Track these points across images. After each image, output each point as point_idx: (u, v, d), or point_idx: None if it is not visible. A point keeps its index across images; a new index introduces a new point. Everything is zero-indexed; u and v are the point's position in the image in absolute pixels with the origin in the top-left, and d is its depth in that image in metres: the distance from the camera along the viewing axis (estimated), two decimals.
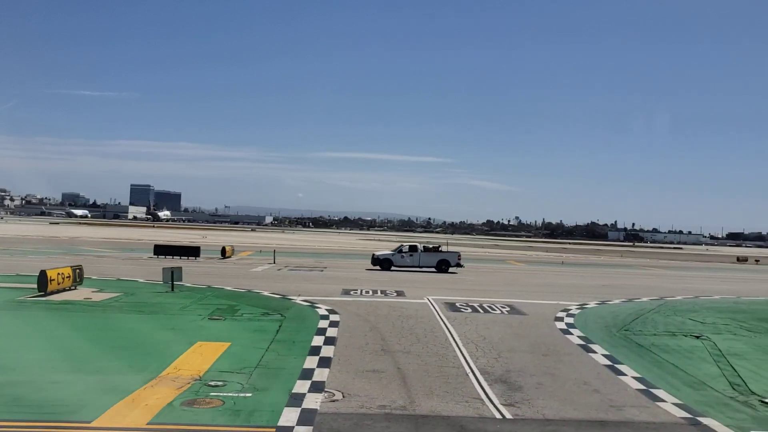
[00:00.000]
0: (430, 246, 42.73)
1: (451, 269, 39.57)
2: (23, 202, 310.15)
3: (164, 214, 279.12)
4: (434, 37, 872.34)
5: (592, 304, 25.54)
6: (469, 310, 22.47)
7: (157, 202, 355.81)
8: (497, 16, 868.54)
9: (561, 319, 21.05)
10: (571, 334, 18.62)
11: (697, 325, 21.01)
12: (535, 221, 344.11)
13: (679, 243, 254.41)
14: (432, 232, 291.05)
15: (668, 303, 27.09)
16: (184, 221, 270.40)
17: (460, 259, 40.19)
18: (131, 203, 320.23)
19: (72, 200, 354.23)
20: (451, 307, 22.96)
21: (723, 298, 30.37)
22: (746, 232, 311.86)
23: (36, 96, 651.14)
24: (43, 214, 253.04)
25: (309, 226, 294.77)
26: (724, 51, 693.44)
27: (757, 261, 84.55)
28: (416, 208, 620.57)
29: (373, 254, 41.16)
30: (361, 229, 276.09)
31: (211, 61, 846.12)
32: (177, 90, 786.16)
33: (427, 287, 29.66)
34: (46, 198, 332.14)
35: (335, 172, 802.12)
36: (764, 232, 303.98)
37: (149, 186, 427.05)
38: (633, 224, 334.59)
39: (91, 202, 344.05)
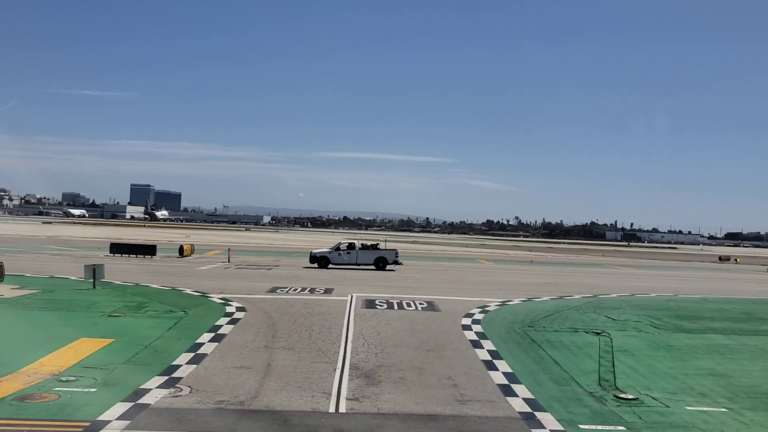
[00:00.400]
0: (369, 244, 43.02)
1: (389, 267, 39.87)
2: (22, 201, 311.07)
3: (162, 213, 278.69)
4: (434, 37, 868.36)
5: (516, 301, 25.58)
6: (385, 306, 22.52)
7: (156, 201, 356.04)
8: (497, 16, 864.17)
9: (471, 315, 21.07)
10: (471, 330, 18.65)
11: (609, 321, 21.00)
12: (535, 221, 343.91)
13: (676, 243, 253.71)
14: (430, 231, 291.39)
15: (597, 300, 27.09)
16: (181, 221, 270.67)
17: (397, 257, 40.40)
18: (132, 203, 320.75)
19: (72, 200, 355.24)
20: (369, 303, 23.00)
21: (658, 296, 30.30)
22: (745, 232, 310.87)
23: (36, 96, 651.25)
24: (41, 213, 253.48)
25: (307, 226, 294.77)
26: (724, 51, 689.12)
27: (736, 260, 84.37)
28: (417, 208, 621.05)
29: (311, 252, 41.35)
30: (359, 229, 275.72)
31: (212, 61, 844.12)
32: (177, 90, 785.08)
33: (361, 285, 29.68)
34: (45, 198, 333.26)
35: (336, 172, 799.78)
36: (763, 232, 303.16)
37: (149, 186, 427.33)
38: (631, 224, 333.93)
39: (91, 202, 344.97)
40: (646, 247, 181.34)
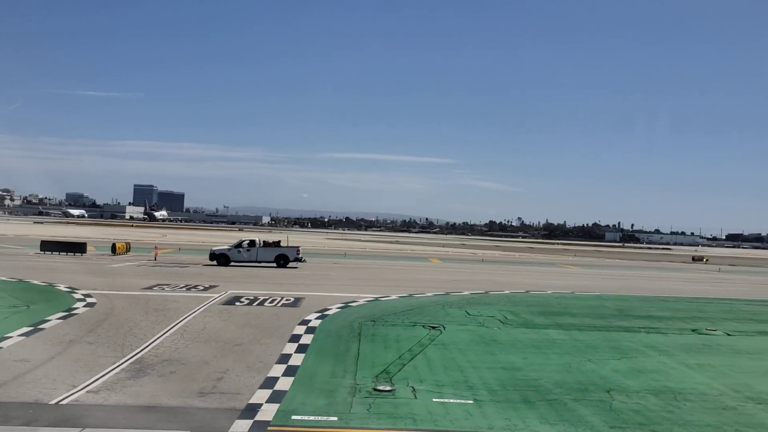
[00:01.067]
0: (270, 241, 43.01)
1: (290, 264, 39.96)
2: (24, 201, 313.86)
3: (161, 214, 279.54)
4: (434, 37, 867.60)
5: (393, 297, 25.60)
6: (246, 302, 22.50)
7: (158, 202, 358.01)
8: (497, 16, 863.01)
9: (325, 311, 21.04)
10: (306, 324, 18.60)
11: (463, 316, 21.06)
12: (538, 222, 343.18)
13: (675, 244, 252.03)
14: (429, 232, 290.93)
15: (479, 296, 27.13)
16: (180, 221, 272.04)
17: (299, 254, 40.44)
18: (134, 203, 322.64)
19: (75, 200, 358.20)
20: (232, 300, 22.99)
21: (553, 293, 30.04)
22: (746, 233, 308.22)
23: (39, 96, 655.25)
24: (41, 213, 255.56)
25: (307, 226, 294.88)
26: (724, 51, 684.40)
27: (706, 261, 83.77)
28: (419, 209, 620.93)
29: (211, 249, 41.38)
30: (359, 230, 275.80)
31: (213, 61, 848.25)
32: (180, 90, 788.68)
33: (253, 282, 29.66)
34: (46, 198, 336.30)
35: (338, 172, 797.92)
36: (764, 233, 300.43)
37: (152, 186, 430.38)
38: (632, 225, 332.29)
39: (93, 202, 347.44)
40: (639, 247, 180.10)
